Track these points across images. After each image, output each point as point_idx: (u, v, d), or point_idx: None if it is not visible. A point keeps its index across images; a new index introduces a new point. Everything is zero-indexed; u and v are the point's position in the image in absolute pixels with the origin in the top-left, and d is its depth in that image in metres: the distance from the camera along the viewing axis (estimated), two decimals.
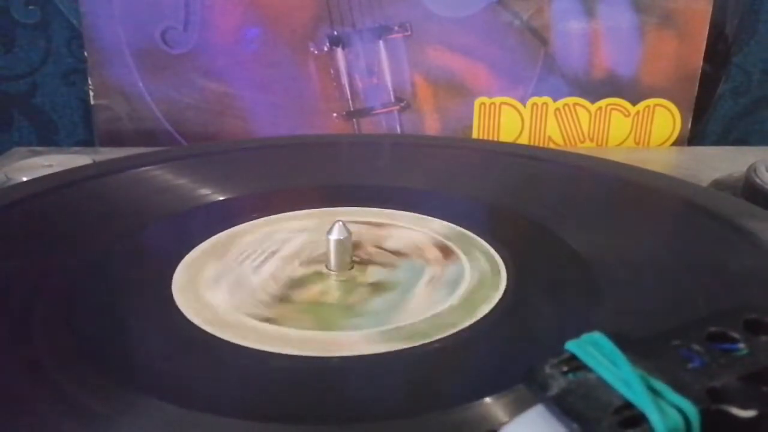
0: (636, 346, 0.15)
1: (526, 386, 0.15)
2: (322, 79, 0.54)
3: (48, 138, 0.59)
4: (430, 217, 0.34)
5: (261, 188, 0.38)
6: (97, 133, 0.55)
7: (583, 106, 0.55)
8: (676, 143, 0.56)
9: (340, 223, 0.29)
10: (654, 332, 0.16)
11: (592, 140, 0.56)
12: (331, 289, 0.28)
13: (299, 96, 0.54)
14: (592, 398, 0.14)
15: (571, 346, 0.15)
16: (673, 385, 0.14)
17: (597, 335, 0.15)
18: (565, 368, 0.15)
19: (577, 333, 0.16)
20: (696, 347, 0.15)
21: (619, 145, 0.56)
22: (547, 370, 0.15)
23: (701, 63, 0.54)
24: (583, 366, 0.15)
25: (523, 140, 0.56)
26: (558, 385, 0.14)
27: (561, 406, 0.14)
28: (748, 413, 0.14)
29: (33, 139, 0.59)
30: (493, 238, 0.32)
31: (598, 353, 0.15)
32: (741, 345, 0.16)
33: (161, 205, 0.36)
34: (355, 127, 0.55)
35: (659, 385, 0.14)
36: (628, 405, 0.14)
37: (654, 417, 0.13)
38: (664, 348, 0.15)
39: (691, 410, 0.13)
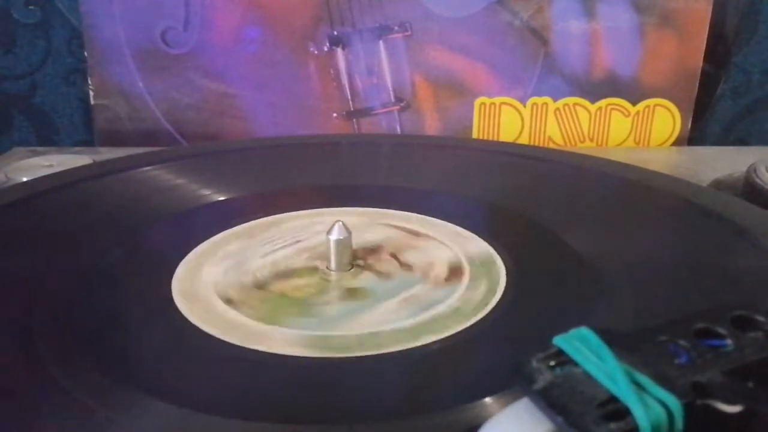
0: (623, 341, 0.15)
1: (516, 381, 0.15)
2: (322, 79, 0.54)
3: (48, 138, 0.59)
4: (470, 234, 0.32)
5: (260, 188, 0.38)
6: (97, 133, 0.55)
7: (583, 106, 0.55)
8: (676, 143, 0.56)
9: (340, 223, 0.29)
10: (642, 328, 0.16)
11: (592, 140, 0.56)
12: (309, 285, 0.28)
13: (299, 96, 0.54)
14: (577, 392, 0.14)
15: (559, 340, 0.15)
16: (658, 379, 0.14)
17: (584, 330, 0.15)
18: (552, 363, 0.15)
19: None
20: (683, 343, 0.15)
21: (619, 145, 0.56)
22: (534, 364, 0.15)
23: (701, 63, 0.54)
24: (569, 360, 0.15)
25: (523, 140, 0.56)
26: (544, 379, 0.14)
27: (546, 400, 0.14)
28: (733, 408, 0.14)
29: (33, 139, 0.59)
30: (491, 237, 0.32)
31: (585, 348, 0.15)
32: (728, 341, 0.16)
33: (161, 205, 0.36)
34: (355, 127, 0.55)
35: (644, 380, 0.14)
36: (613, 399, 0.14)
37: (637, 411, 0.13)
38: (651, 343, 0.15)
39: (675, 404, 0.13)
